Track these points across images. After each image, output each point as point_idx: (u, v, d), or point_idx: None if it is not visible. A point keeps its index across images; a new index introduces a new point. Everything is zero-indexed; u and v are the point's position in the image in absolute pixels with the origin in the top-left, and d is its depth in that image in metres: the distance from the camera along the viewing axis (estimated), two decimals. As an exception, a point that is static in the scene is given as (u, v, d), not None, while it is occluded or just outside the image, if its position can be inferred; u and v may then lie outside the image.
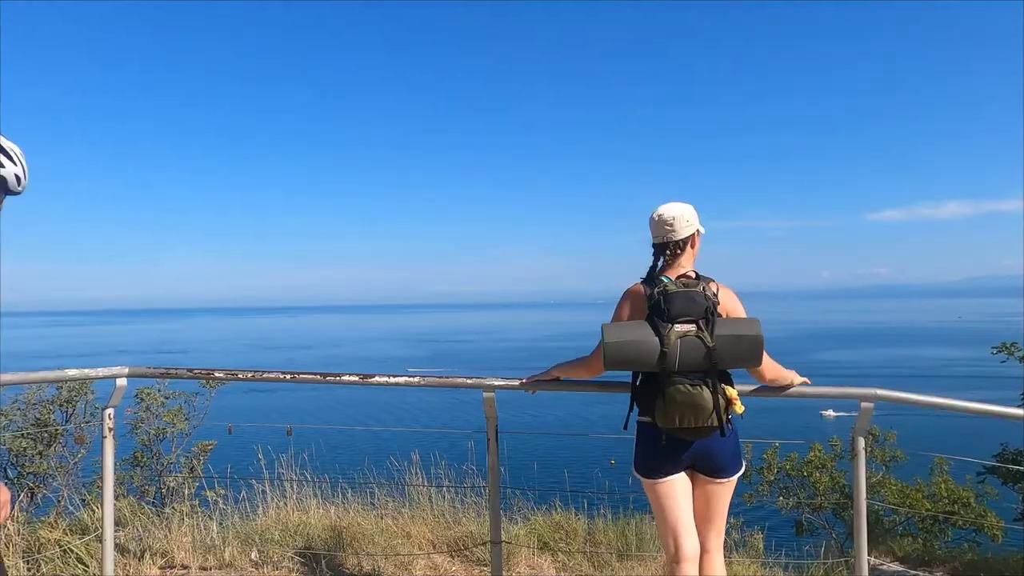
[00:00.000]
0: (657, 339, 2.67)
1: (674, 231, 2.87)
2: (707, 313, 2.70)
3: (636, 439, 2.93)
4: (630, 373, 2.95)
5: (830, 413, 30.00)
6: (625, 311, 2.90)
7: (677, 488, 2.85)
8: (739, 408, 2.76)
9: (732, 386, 2.82)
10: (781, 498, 7.49)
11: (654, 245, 2.94)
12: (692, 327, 2.69)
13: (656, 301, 2.74)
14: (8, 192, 2.29)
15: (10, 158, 2.25)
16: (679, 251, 2.89)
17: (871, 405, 3.22)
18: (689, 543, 2.82)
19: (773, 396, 3.30)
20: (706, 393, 2.66)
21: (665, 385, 2.68)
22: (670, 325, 2.68)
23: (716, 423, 2.69)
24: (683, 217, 2.88)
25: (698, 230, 2.94)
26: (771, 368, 2.95)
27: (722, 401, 2.69)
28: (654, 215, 2.90)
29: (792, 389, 3.16)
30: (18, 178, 2.27)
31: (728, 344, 2.67)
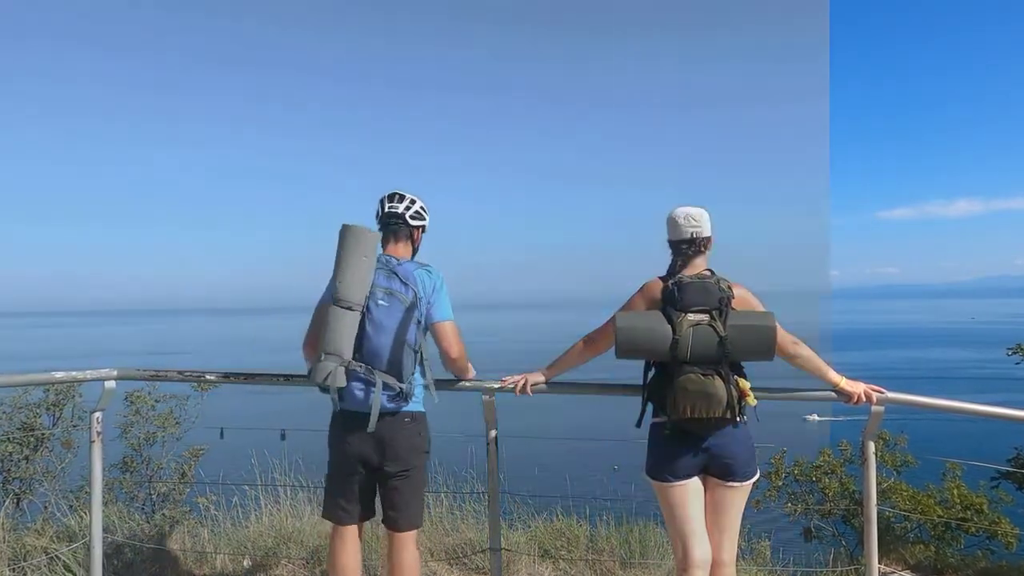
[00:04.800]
0: (669, 327, 2.71)
1: (700, 227, 2.91)
2: (720, 304, 2.73)
3: (649, 441, 2.91)
4: (635, 375, 2.95)
5: (814, 417, 29.71)
6: (638, 303, 2.93)
7: (689, 492, 2.82)
8: (752, 400, 2.75)
9: (745, 378, 2.81)
10: (789, 504, 7.38)
11: (674, 242, 2.95)
12: (705, 317, 2.72)
13: (670, 291, 2.80)
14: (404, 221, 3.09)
15: (395, 201, 3.08)
16: (702, 248, 2.93)
17: (881, 409, 3.15)
18: (699, 550, 2.78)
19: (785, 399, 3.23)
20: (718, 383, 2.66)
21: (676, 375, 2.69)
22: (682, 314, 2.72)
23: (728, 415, 2.67)
24: (706, 217, 2.94)
25: (711, 236, 2.98)
26: (811, 353, 2.94)
27: (735, 392, 2.69)
28: (678, 214, 2.94)
29: (800, 393, 3.22)
30: (407, 209, 3.08)
31: (741, 334, 2.69)
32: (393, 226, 3.10)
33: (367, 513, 3.12)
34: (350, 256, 2.88)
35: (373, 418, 2.85)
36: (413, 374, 2.96)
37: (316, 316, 3.04)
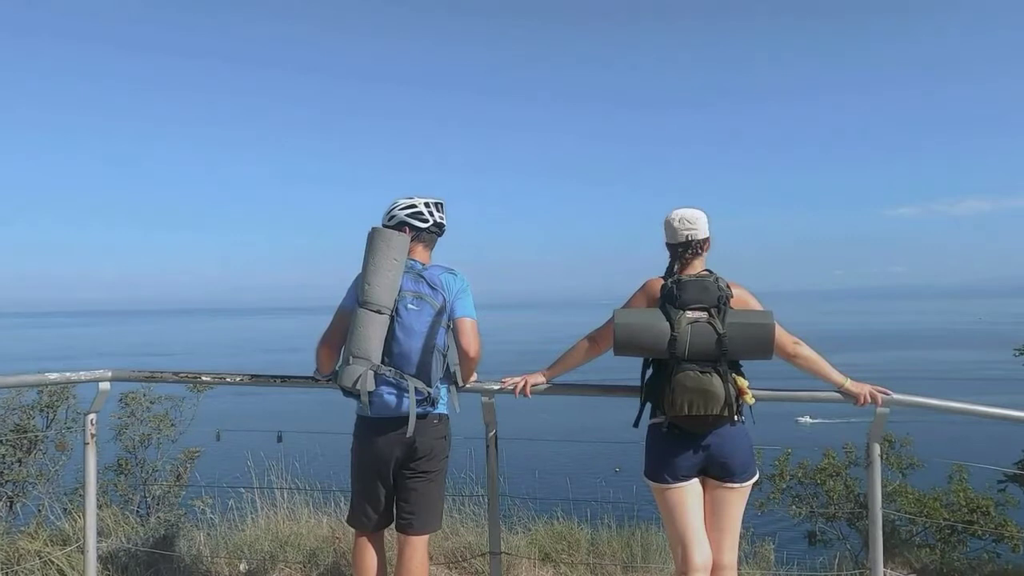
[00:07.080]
0: (668, 324, 2.70)
1: (695, 230, 2.91)
2: (719, 302, 2.73)
3: (647, 443, 2.88)
4: (636, 376, 2.92)
5: (806, 419, 29.70)
6: (638, 301, 2.92)
7: (688, 495, 2.80)
8: (749, 399, 2.74)
9: (743, 377, 2.79)
10: (793, 507, 7.32)
11: (671, 245, 2.96)
12: (703, 314, 2.72)
13: (669, 289, 2.80)
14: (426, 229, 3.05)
15: (434, 209, 3.05)
16: (699, 251, 2.93)
17: (886, 410, 3.10)
18: (699, 553, 2.75)
19: (789, 399, 3.21)
20: (716, 380, 2.65)
21: (674, 372, 2.68)
22: (681, 311, 2.72)
23: (727, 412, 2.67)
24: (702, 219, 2.94)
25: (709, 237, 2.99)
26: (813, 353, 2.91)
27: (733, 390, 2.68)
28: (673, 216, 2.93)
29: (805, 393, 3.18)
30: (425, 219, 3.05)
31: (739, 332, 2.68)
32: (437, 235, 3.12)
33: (391, 520, 3.11)
34: (381, 259, 2.85)
35: (411, 424, 2.83)
36: (440, 378, 2.96)
37: (337, 318, 2.99)
